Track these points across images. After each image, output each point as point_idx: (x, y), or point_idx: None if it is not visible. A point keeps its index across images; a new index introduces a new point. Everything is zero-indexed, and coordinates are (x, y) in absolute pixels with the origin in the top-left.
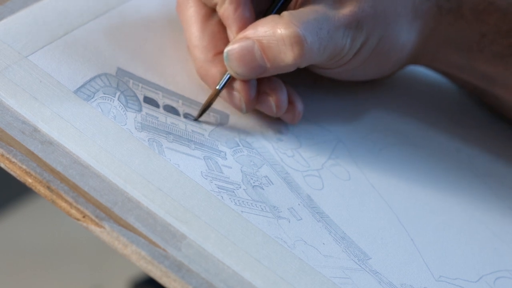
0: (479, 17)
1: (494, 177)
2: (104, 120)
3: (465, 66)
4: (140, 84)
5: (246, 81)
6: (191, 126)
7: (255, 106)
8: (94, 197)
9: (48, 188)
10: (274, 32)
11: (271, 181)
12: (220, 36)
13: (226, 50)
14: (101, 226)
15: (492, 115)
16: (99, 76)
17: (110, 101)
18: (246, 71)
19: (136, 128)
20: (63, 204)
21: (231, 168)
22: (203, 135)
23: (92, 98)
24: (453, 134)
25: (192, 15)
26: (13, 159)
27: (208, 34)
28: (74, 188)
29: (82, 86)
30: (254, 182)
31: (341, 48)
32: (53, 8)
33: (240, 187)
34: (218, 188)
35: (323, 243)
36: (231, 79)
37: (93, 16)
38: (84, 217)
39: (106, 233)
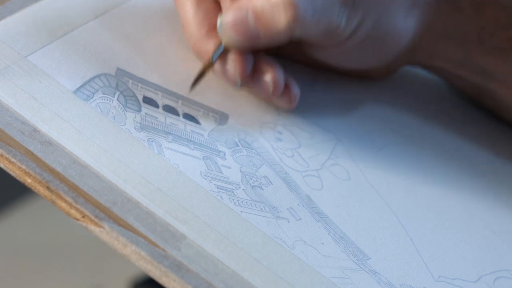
0: (478, 9)
1: (493, 176)
2: (103, 120)
3: (464, 61)
4: (140, 84)
5: (241, 53)
6: (191, 126)
7: (250, 85)
8: (94, 197)
9: (48, 188)
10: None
11: (270, 181)
12: (214, 12)
13: (219, 19)
14: (100, 226)
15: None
16: (98, 76)
17: (110, 101)
18: (239, 40)
19: (135, 128)
20: (63, 204)
21: (231, 168)
22: (202, 135)
23: (91, 98)
24: (453, 133)
25: None
26: (13, 159)
27: (203, 10)
28: (73, 188)
29: (82, 86)
30: (253, 182)
31: (337, 25)
32: (52, 9)
33: (240, 187)
34: (217, 188)
35: (323, 243)
36: (225, 52)
37: (92, 16)
38: (83, 217)
39: (106, 233)
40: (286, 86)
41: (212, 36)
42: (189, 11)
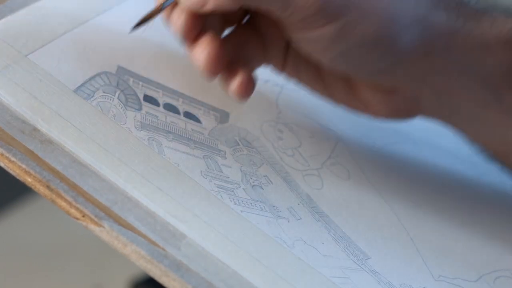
0: (506, 45)
1: (494, 176)
2: (104, 119)
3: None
4: (141, 83)
5: (189, 12)
6: (191, 125)
7: (189, 44)
8: (94, 196)
9: (48, 187)
10: None
11: (270, 181)
12: None
13: None
14: (100, 225)
15: None
16: (99, 74)
17: (110, 99)
18: None
19: (135, 127)
20: (63, 203)
21: (231, 167)
22: (203, 134)
23: (92, 97)
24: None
25: None
26: (13, 158)
27: None
28: (73, 187)
29: (82, 85)
30: (253, 182)
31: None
32: (53, 7)
33: (240, 187)
34: (217, 187)
35: (323, 243)
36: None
37: (93, 15)
38: (83, 216)
39: (106, 232)
40: (235, 69)
41: None
42: None
